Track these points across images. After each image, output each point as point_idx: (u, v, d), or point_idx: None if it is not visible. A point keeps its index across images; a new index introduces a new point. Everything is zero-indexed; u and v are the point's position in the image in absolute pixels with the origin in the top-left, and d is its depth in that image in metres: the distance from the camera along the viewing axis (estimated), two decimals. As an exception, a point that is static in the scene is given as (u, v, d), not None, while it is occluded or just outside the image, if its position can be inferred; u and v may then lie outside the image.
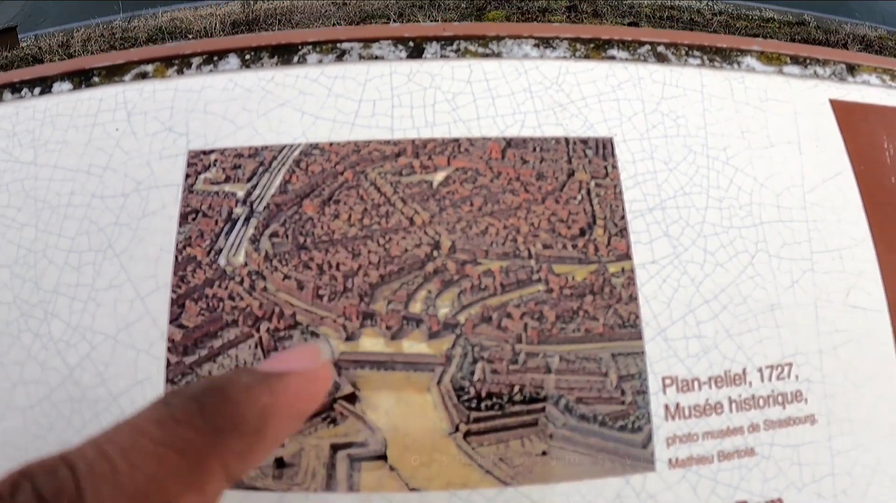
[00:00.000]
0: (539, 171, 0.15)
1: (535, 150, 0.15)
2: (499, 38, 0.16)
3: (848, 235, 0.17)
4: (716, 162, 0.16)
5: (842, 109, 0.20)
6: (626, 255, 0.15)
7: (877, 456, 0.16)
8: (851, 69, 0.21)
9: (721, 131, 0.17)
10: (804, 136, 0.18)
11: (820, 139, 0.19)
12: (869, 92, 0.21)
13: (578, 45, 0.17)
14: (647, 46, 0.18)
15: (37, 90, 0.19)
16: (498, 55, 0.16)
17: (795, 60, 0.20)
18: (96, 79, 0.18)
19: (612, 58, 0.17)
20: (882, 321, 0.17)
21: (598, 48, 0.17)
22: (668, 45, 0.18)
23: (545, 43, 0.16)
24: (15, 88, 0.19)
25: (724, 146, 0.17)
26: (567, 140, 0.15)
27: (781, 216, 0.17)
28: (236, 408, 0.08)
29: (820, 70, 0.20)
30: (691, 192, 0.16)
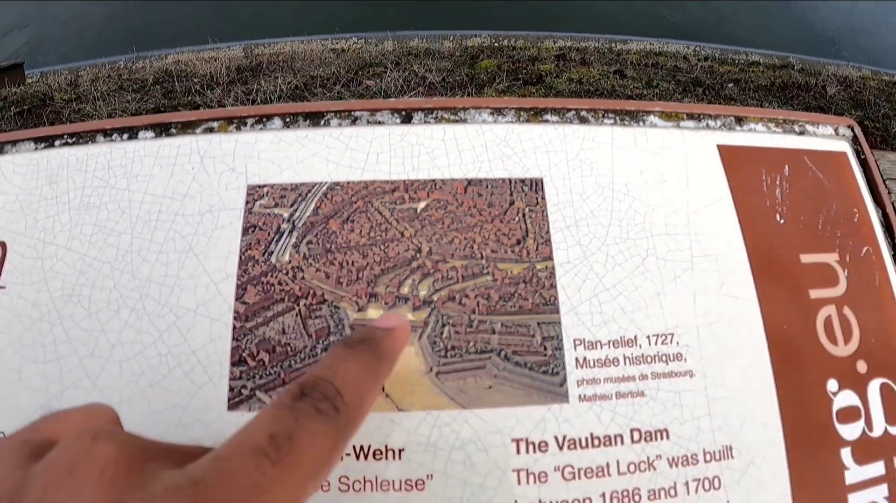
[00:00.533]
0: (490, 201, 0.26)
1: (487, 187, 0.26)
2: (465, 109, 0.28)
3: (724, 245, 0.29)
4: (618, 193, 0.28)
5: (727, 152, 0.32)
6: (549, 257, 0.26)
7: (748, 407, 0.26)
8: (740, 120, 0.33)
9: (624, 172, 0.29)
10: (692, 173, 0.30)
11: (705, 175, 0.30)
12: (754, 137, 0.33)
13: (522, 112, 0.29)
14: (573, 111, 0.30)
15: (125, 135, 0.30)
16: (464, 120, 0.28)
17: (691, 116, 0.32)
18: (174, 130, 0.29)
19: (546, 120, 0.29)
20: (752, 307, 0.28)
21: (536, 114, 0.29)
22: (588, 110, 0.30)
23: (498, 111, 0.28)
24: (106, 133, 0.31)
25: (626, 182, 0.28)
26: (510, 180, 0.27)
27: (668, 230, 0.28)
28: (383, 347, 0.17)
29: (711, 122, 0.33)
30: (599, 214, 0.27)
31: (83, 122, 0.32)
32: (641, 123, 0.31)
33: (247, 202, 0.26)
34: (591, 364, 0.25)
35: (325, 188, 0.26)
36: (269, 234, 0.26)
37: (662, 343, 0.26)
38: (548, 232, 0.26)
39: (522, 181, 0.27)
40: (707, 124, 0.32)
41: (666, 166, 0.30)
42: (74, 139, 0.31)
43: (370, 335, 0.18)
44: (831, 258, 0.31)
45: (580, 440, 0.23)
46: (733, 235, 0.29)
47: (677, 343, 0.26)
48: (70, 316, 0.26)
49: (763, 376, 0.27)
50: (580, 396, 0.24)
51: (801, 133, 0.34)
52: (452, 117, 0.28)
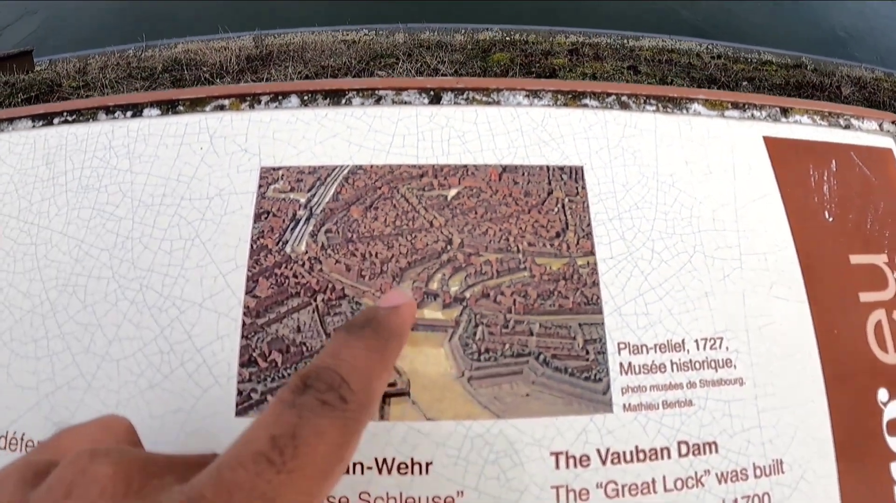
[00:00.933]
0: (526, 190, 0.23)
1: (524, 174, 0.23)
2: (498, 90, 0.24)
3: (773, 243, 0.25)
4: (663, 184, 0.24)
5: (773, 144, 0.28)
6: (591, 252, 0.22)
7: (799, 417, 0.23)
8: (785, 111, 0.30)
9: (669, 162, 0.25)
10: (739, 165, 0.27)
11: (752, 168, 0.27)
12: (800, 130, 0.29)
13: (559, 96, 0.25)
14: (613, 96, 0.26)
15: (129, 113, 0.26)
16: (497, 103, 0.24)
17: (736, 105, 0.29)
18: (181, 107, 0.26)
19: (586, 105, 0.25)
20: (803, 310, 0.24)
21: (574, 98, 0.25)
22: (629, 96, 0.27)
23: (534, 94, 0.25)
24: (109, 110, 0.27)
25: (671, 172, 0.25)
26: (548, 167, 0.23)
27: (716, 226, 0.25)
28: (390, 327, 0.15)
29: (756, 113, 0.29)
30: (643, 207, 0.24)
31: (84, 99, 0.29)
32: (685, 111, 0.27)
33: (260, 186, 0.23)
34: (637, 370, 0.21)
35: (346, 172, 0.23)
36: (283, 221, 0.22)
37: (711, 348, 0.22)
38: (589, 224, 0.23)
39: (561, 169, 0.23)
40: (752, 114, 0.29)
41: (712, 157, 0.26)
42: (74, 116, 0.28)
43: (373, 316, 0.15)
44: (880, 259, 0.27)
45: (624, 454, 0.20)
46: (782, 233, 0.26)
47: (726, 348, 0.23)
48: (64, 308, 0.22)
49: (814, 385, 0.24)
50: (625, 405, 0.21)
51: (847, 127, 0.30)
52: (485, 99, 0.24)
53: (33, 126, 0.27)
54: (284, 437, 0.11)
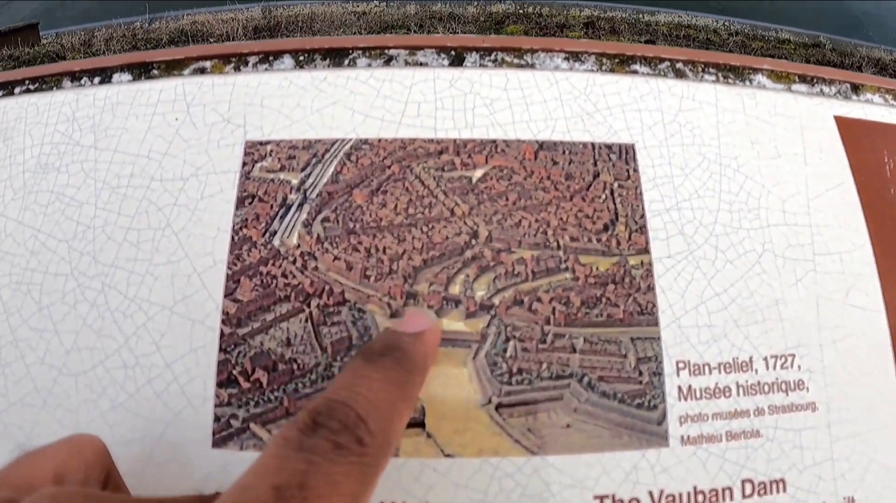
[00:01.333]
0: (568, 172, 0.18)
1: (564, 152, 0.18)
2: (532, 51, 0.19)
3: (848, 240, 0.20)
4: (727, 169, 0.19)
5: (845, 125, 0.23)
6: (645, 250, 0.17)
7: (874, 446, 0.18)
8: (856, 88, 0.24)
9: (733, 142, 0.20)
10: (809, 148, 0.21)
11: (824, 151, 0.22)
12: (872, 110, 0.24)
13: (605, 60, 0.20)
14: (667, 63, 0.21)
15: (96, 79, 0.21)
16: (532, 66, 0.19)
17: (803, 79, 0.23)
18: (156, 71, 0.21)
19: (635, 72, 0.20)
20: (879, 321, 0.20)
21: (622, 63, 0.20)
22: (685, 62, 0.21)
23: (574, 57, 0.19)
24: (74, 77, 0.22)
25: (736, 155, 0.20)
26: (593, 145, 0.18)
27: (787, 220, 0.19)
28: (414, 357, 0.12)
29: (826, 89, 0.24)
30: (704, 195, 0.19)
31: (48, 64, 0.24)
32: (748, 83, 0.22)
33: (244, 163, 0.18)
34: (698, 394, 0.17)
35: (347, 147, 0.18)
36: (271, 206, 0.17)
37: (782, 367, 0.18)
38: (643, 216, 0.18)
39: (609, 147, 0.18)
40: (821, 90, 0.23)
41: (779, 138, 0.21)
42: (37, 85, 0.22)
43: (395, 343, 0.13)
44: (963, 261, 0.22)
45: (680, 496, 0.16)
46: (858, 229, 0.21)
47: (798, 367, 0.18)
48: (17, 310, 0.18)
49: (890, 409, 0.19)
50: (683, 438, 0.16)
51: (926, 107, 0.25)
52: (517, 61, 0.19)
53: (-10, 94, 0.22)
54: (291, 488, 0.09)
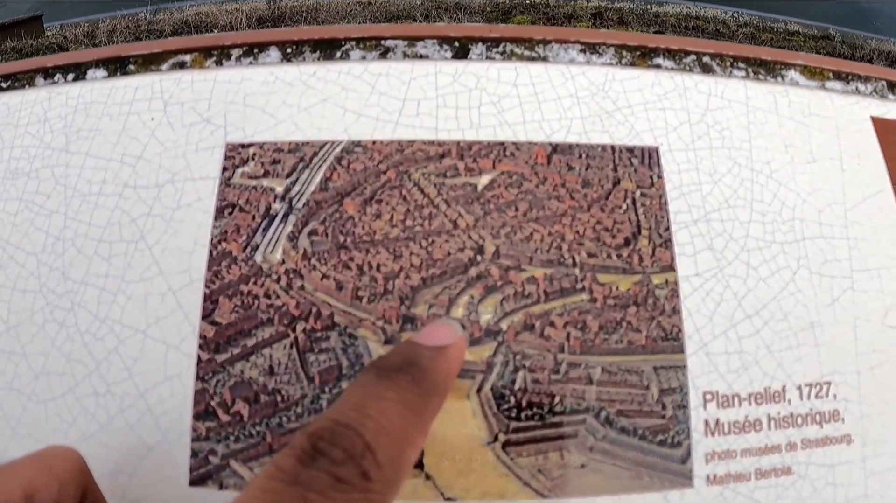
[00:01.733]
0: (585, 178, 0.15)
1: (580, 156, 0.15)
2: (545, 42, 0.16)
3: (887, 255, 0.18)
4: (760, 175, 0.17)
5: (883, 127, 0.20)
6: (671, 267, 0.15)
7: (909, 480, 0.16)
8: (892, 86, 0.21)
9: (765, 145, 0.17)
10: (846, 152, 0.18)
11: (861, 156, 0.19)
12: (908, 110, 0.21)
13: (625, 53, 0.17)
14: (693, 56, 0.18)
15: (70, 76, 0.19)
16: (544, 59, 0.16)
17: (838, 76, 0.20)
18: (132, 67, 0.18)
19: (658, 66, 0.17)
20: (918, 343, 0.17)
21: (643, 56, 0.17)
22: (713, 56, 0.18)
23: (591, 49, 0.16)
24: (48, 73, 0.19)
25: (768, 160, 0.17)
26: (613, 148, 0.15)
27: (823, 233, 0.17)
28: (434, 376, 0.10)
29: (861, 86, 0.21)
30: (735, 205, 0.16)
31: (21, 61, 0.21)
32: (780, 79, 0.19)
33: (224, 169, 0.15)
34: (726, 429, 0.14)
35: (338, 150, 0.15)
36: (253, 217, 0.15)
37: (816, 396, 0.15)
38: (668, 228, 0.15)
39: (630, 150, 0.15)
40: (857, 87, 0.20)
41: (814, 141, 0.18)
42: (10, 82, 0.20)
43: (413, 358, 0.11)
44: None
45: (706, 540, 0.13)
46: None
47: (834, 396, 0.15)
48: (-17, 325, 0.15)
49: (927, 436, 0.16)
50: (709, 477, 0.14)
51: (968, 106, 0.22)
52: (528, 53, 0.16)
53: (-39, 92, 0.20)
54: None
